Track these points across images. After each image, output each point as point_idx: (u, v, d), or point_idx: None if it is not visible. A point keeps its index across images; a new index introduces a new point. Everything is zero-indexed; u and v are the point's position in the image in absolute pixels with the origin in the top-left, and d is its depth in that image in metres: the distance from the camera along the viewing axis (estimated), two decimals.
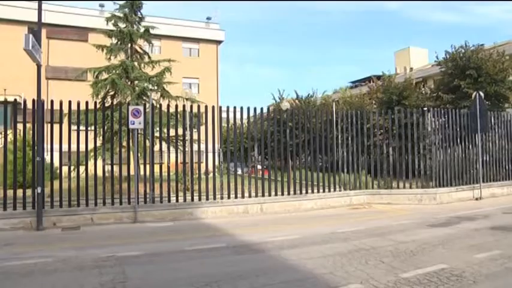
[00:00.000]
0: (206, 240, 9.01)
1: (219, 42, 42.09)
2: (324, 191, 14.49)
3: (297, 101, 31.96)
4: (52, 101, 11.46)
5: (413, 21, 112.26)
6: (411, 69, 42.82)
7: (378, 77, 30.91)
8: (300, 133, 14.99)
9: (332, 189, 14.74)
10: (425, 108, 16.71)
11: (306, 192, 14.11)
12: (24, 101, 11.67)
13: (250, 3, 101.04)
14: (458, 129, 16.40)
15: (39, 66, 11.09)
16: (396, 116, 16.16)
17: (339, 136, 15.30)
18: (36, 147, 11.18)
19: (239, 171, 13.73)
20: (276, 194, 13.54)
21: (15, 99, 11.77)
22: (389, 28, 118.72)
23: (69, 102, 11.70)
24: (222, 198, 12.72)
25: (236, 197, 12.91)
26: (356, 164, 15.26)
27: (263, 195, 13.28)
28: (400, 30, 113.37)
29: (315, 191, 14.34)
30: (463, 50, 24.58)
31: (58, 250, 8.26)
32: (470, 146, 16.66)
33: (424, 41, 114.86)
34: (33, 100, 11.14)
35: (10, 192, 11.12)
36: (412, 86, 27.61)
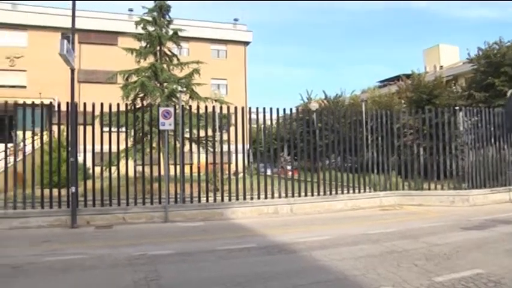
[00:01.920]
0: (237, 240, 9.05)
1: (246, 43, 42.12)
2: (353, 192, 14.38)
3: (325, 101, 31.77)
4: (85, 104, 11.71)
5: (442, 18, 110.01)
6: (441, 67, 41.94)
7: (407, 76, 30.34)
8: (330, 133, 14.91)
9: (362, 190, 14.60)
10: (456, 107, 16.34)
11: (336, 193, 14.01)
12: (59, 104, 12.01)
13: (277, 4, 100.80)
14: (492, 128, 15.94)
15: (72, 70, 11.41)
16: (427, 115, 15.87)
17: (368, 136, 15.13)
18: (70, 149, 11.47)
19: (268, 172, 13.72)
20: (305, 195, 13.50)
21: (51, 102, 12.12)
22: (418, 26, 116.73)
23: (101, 104, 11.96)
24: (251, 198, 12.75)
25: (266, 197, 12.92)
26: (386, 164, 15.05)
27: (293, 196, 13.27)
28: (429, 28, 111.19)
29: (345, 191, 14.23)
30: (497, 46, 23.96)
31: (92, 248, 8.48)
32: (506, 146, 16.17)
33: (455, 38, 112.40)
34: (67, 103, 11.47)
35: (45, 192, 11.47)
36: (443, 85, 27.03)
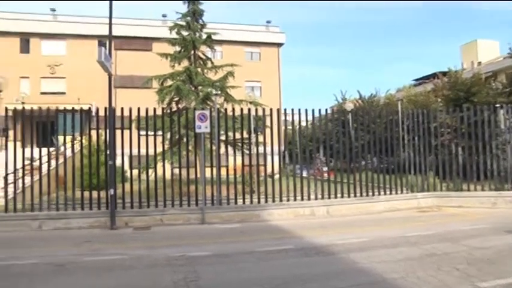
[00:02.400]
0: (274, 242, 9.06)
1: (279, 44, 41.88)
2: (390, 193, 14.14)
3: (360, 101, 31.41)
4: (122, 108, 11.99)
5: (480, 12, 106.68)
6: (479, 63, 40.69)
7: (444, 73, 29.49)
8: (365, 134, 14.71)
9: (399, 192, 14.33)
10: (497, 105, 15.83)
11: (373, 195, 13.83)
12: (97, 109, 12.31)
13: (310, 4, 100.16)
14: None
15: (110, 76, 11.72)
16: (465, 114, 15.46)
17: (405, 136, 14.85)
18: (108, 152, 11.75)
19: (304, 173, 13.67)
20: (342, 196, 13.37)
21: (89, 108, 12.44)
22: (455, 21, 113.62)
23: (138, 109, 12.22)
24: (288, 200, 12.74)
25: (302, 199, 12.89)
26: (423, 165, 14.71)
27: (329, 197, 13.17)
28: (466, 23, 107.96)
29: (381, 193, 14.02)
30: None
31: (132, 248, 8.69)
32: None
33: (494, 32, 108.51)
34: (105, 108, 11.78)
35: (85, 194, 11.84)
36: (481, 82, 26.13)
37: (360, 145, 14.41)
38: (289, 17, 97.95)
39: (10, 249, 9.02)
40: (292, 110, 13.72)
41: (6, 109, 13.16)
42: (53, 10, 38.17)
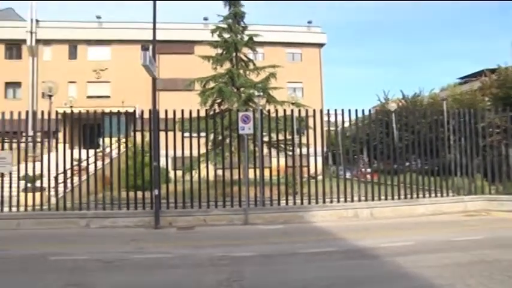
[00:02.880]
0: (317, 243, 9.02)
1: (321, 45, 41.75)
2: (435, 196, 13.74)
3: (403, 101, 30.79)
4: (166, 111, 12.24)
5: None
6: None
7: (492, 71, 28.38)
8: (409, 135, 14.37)
9: (444, 194, 13.91)
10: None
11: (417, 197, 13.50)
12: (142, 112, 12.60)
13: (351, 3, 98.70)
14: None
15: (154, 79, 12.00)
16: None
17: (450, 137, 14.40)
18: (153, 153, 12.00)
19: (345, 175, 13.50)
20: (386, 198, 13.14)
21: (134, 110, 12.75)
22: (504, 17, 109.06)
23: (182, 111, 12.43)
24: (331, 202, 12.62)
25: (345, 200, 12.73)
26: (470, 166, 14.20)
27: (373, 199, 12.98)
28: None
29: (426, 195, 13.66)
30: None
31: (176, 247, 8.84)
32: None
33: None
34: (150, 110, 12.05)
35: (130, 194, 12.14)
36: None
37: (403, 146, 14.10)
38: (330, 17, 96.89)
39: (62, 245, 9.45)
40: (336, 110, 13.60)
41: (56, 112, 13.64)
42: (99, 17, 39.68)
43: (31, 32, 37.26)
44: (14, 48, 39.49)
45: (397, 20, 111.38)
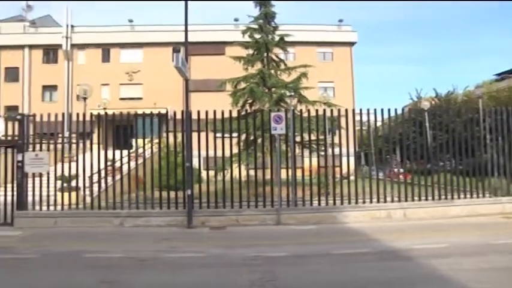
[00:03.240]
0: (350, 244, 8.91)
1: (352, 43, 41.21)
2: (471, 197, 13.32)
3: (436, 99, 30.12)
4: (199, 112, 12.33)
5: None
6: None
7: None
8: (443, 134, 14.00)
9: (480, 195, 13.45)
10: None
11: (452, 198, 13.12)
12: (174, 113, 12.75)
13: (383, 1, 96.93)
14: None
15: (186, 81, 12.14)
16: None
17: (486, 136, 13.94)
18: (185, 154, 12.11)
19: (377, 175, 13.27)
20: (419, 199, 12.84)
21: (167, 111, 12.95)
22: None
23: (214, 111, 12.47)
24: (363, 202, 12.43)
25: (378, 201, 12.50)
26: (508, 167, 13.70)
27: (406, 200, 12.70)
28: None
29: (461, 196, 13.25)
30: None
31: (208, 247, 8.92)
32: None
33: None
34: (182, 111, 12.18)
35: (162, 193, 12.25)
36: None
37: (437, 145, 13.73)
38: (361, 15, 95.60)
39: (97, 243, 9.71)
40: (368, 110, 13.38)
41: (91, 114, 13.97)
42: (131, 21, 40.46)
43: (66, 37, 38.88)
44: (51, 52, 40.87)
45: (430, 17, 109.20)
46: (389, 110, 13.15)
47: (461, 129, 13.76)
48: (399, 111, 13.84)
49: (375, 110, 13.19)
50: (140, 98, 38.16)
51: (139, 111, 15.16)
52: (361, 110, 13.26)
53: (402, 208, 12.44)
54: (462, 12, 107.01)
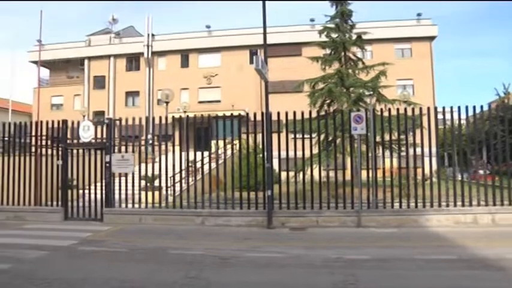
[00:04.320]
0: (434, 250, 8.53)
1: (431, 38, 39.13)
2: None
3: None
4: (278, 113, 12.43)
5: None
6: None
7: None
8: None
9: None
10: None
11: None
12: (254, 114, 12.96)
13: None
14: None
15: (266, 83, 12.29)
16: None
17: None
18: (265, 154, 12.25)
19: (460, 177, 12.55)
20: (509, 203, 11.95)
21: (247, 114, 13.19)
22: None
23: (294, 112, 12.55)
24: (447, 205, 11.83)
25: (463, 204, 11.82)
26: None
27: (494, 204, 11.86)
28: None
29: None
30: None
31: (288, 248, 8.93)
32: None
33: None
34: (262, 113, 12.39)
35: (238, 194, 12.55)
36: None
37: None
38: (441, 7, 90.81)
39: (180, 240, 10.12)
40: (451, 107, 12.69)
41: (173, 117, 14.58)
42: (208, 27, 41.72)
43: (148, 46, 40.97)
44: (133, 60, 43.44)
45: None
46: (474, 107, 12.42)
47: None
48: (490, 108, 12.98)
49: (459, 107, 12.51)
50: (218, 101, 39.25)
51: (220, 114, 15.58)
52: (443, 107, 12.60)
53: (490, 213, 11.63)
54: None
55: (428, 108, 12.30)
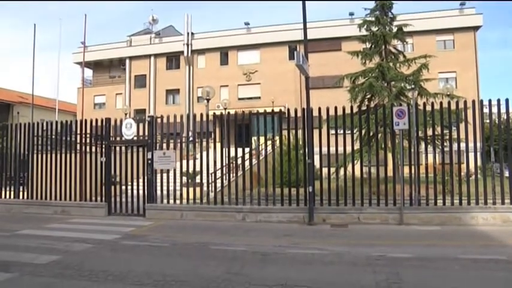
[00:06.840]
0: (480, 249, 8.28)
1: (476, 28, 37.50)
2: None
3: None
4: (320, 108, 12.35)
5: None
6: None
7: None
8: None
9: None
10: None
11: None
12: (295, 110, 12.94)
13: None
14: None
15: (307, 78, 12.26)
16: None
17: None
18: (306, 151, 12.21)
19: (508, 173, 12.04)
20: None
21: (288, 110, 13.15)
22: None
23: (335, 108, 12.42)
24: (494, 203, 11.35)
25: (511, 202, 11.38)
26: None
27: None
28: None
29: None
30: None
31: (330, 245, 8.85)
32: None
33: None
34: (303, 109, 12.34)
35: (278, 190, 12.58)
36: None
37: None
38: None
39: (221, 236, 10.21)
40: (498, 100, 12.03)
41: (214, 114, 14.74)
42: (247, 24, 41.95)
43: (187, 44, 41.63)
44: (173, 59, 44.32)
45: None
46: None
47: None
48: None
49: (507, 99, 11.79)
50: (258, 97, 39.36)
51: (261, 110, 15.62)
52: (489, 100, 12.06)
53: None
54: None
55: (473, 101, 11.84)
